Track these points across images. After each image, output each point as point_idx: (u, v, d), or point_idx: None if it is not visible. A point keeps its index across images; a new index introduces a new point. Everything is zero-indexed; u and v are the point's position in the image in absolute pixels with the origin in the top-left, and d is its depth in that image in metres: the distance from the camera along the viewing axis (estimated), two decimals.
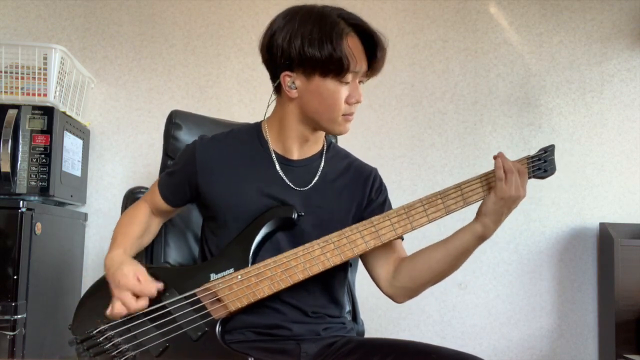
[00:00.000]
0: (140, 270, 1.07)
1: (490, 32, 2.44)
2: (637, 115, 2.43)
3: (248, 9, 2.38)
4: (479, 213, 1.08)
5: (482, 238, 1.08)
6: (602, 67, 2.44)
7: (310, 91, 1.08)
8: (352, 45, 1.06)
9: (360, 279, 1.42)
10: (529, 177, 1.10)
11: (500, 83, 2.43)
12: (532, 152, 1.13)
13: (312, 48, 1.04)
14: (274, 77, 1.13)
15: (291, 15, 1.09)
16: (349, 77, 1.07)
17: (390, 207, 1.23)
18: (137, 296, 1.05)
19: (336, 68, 1.05)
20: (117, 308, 1.04)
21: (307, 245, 1.06)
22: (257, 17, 2.37)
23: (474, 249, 1.10)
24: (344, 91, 1.08)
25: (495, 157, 1.07)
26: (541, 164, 1.12)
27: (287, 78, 1.09)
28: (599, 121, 2.42)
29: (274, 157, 1.15)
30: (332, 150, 1.23)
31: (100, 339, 1.07)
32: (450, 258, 1.10)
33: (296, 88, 1.09)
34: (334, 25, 1.05)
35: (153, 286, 1.06)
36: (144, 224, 1.21)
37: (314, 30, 1.04)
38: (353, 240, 1.07)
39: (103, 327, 1.08)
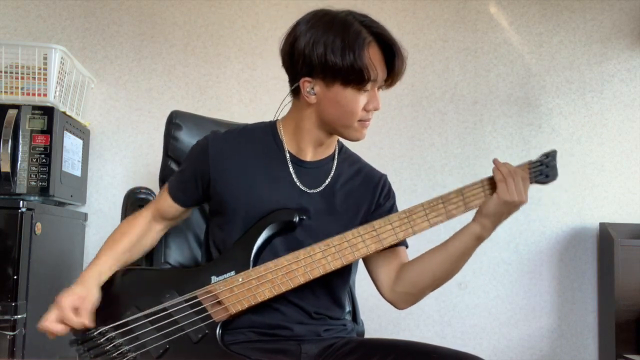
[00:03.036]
0: (88, 299, 1.07)
1: (490, 32, 2.44)
2: (637, 115, 2.43)
3: (248, 9, 2.38)
4: (479, 213, 1.09)
5: (480, 239, 1.10)
6: (602, 67, 2.44)
7: (329, 98, 1.08)
8: (373, 55, 1.06)
9: (360, 279, 1.42)
10: (531, 183, 1.10)
11: (500, 83, 2.43)
12: (534, 157, 1.13)
13: (334, 57, 1.03)
14: (293, 80, 1.12)
15: (314, 21, 1.08)
16: (369, 86, 1.08)
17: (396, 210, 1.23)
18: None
19: (357, 78, 1.05)
20: (43, 320, 1.06)
21: (308, 248, 1.06)
22: (257, 17, 2.37)
23: (474, 250, 1.11)
24: (362, 99, 1.08)
25: (493, 161, 1.09)
26: (543, 169, 1.12)
27: (306, 84, 1.09)
28: (599, 121, 2.42)
29: (288, 157, 1.15)
30: (343, 153, 1.23)
31: (102, 340, 1.07)
32: (451, 260, 1.12)
33: (315, 94, 1.09)
34: (357, 35, 1.05)
35: (78, 321, 1.05)
36: (136, 236, 1.18)
37: (337, 38, 1.04)
38: (354, 244, 1.06)
39: (104, 328, 1.08)
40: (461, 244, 1.10)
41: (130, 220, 1.21)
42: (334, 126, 1.12)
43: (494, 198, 1.06)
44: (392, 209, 1.22)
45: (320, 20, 1.07)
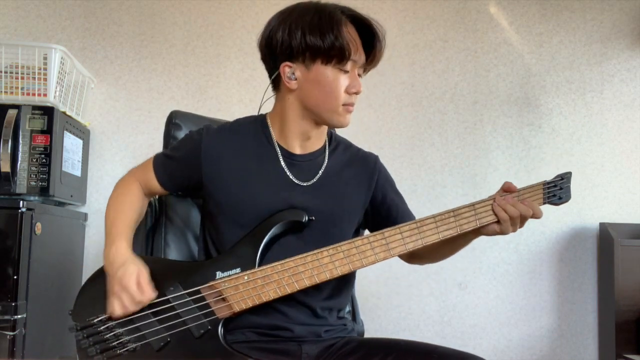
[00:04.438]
0: (143, 273, 1.06)
1: (490, 32, 2.44)
2: (637, 115, 2.43)
3: (248, 9, 2.38)
4: (480, 232, 1.10)
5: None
6: (602, 67, 2.44)
7: (310, 81, 1.09)
8: (350, 36, 1.08)
9: (360, 278, 1.42)
10: (544, 203, 1.12)
11: (500, 83, 2.43)
12: (549, 179, 1.14)
13: (313, 36, 1.05)
14: (273, 69, 1.13)
15: (289, 12, 1.10)
16: (349, 65, 1.08)
17: (399, 192, 1.27)
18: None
19: (338, 55, 1.06)
20: (117, 309, 1.04)
21: (316, 251, 1.05)
22: (257, 17, 2.37)
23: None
24: (343, 80, 1.09)
25: (496, 200, 1.08)
26: (556, 191, 1.13)
27: (286, 69, 1.10)
28: (599, 121, 2.42)
29: (279, 152, 1.15)
30: (334, 142, 1.23)
31: (101, 328, 1.06)
32: (455, 250, 1.18)
33: (296, 79, 1.10)
34: (332, 15, 1.07)
35: (151, 295, 1.05)
36: (139, 208, 1.19)
37: (314, 19, 1.06)
38: (363, 251, 1.06)
39: (105, 316, 1.06)
40: (465, 241, 1.14)
41: (127, 194, 1.20)
42: (318, 111, 1.11)
43: (495, 229, 1.08)
44: (398, 194, 1.26)
45: (294, 9, 1.10)
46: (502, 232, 1.08)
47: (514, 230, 1.09)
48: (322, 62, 1.07)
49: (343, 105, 1.10)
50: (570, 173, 1.15)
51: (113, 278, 1.05)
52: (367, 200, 1.20)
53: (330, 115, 1.11)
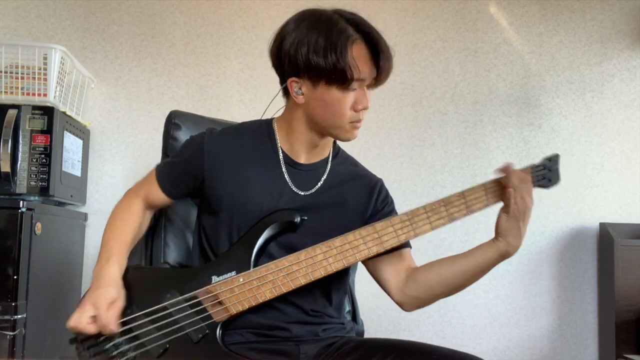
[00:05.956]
0: (118, 304, 1.04)
1: (490, 32, 2.44)
2: (637, 115, 2.43)
3: (248, 9, 2.38)
4: (498, 234, 1.07)
5: (506, 255, 1.07)
6: (602, 67, 2.44)
7: (316, 98, 1.08)
8: (358, 53, 1.05)
9: (360, 279, 1.42)
10: (533, 187, 1.09)
11: (500, 83, 2.43)
12: (536, 162, 1.13)
13: (317, 57, 1.03)
14: (282, 81, 1.13)
15: (300, 21, 1.08)
16: (355, 84, 1.06)
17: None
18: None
19: (340, 78, 1.04)
20: (74, 321, 1.02)
21: (309, 249, 1.06)
22: (257, 17, 2.37)
23: (495, 265, 1.08)
24: (349, 98, 1.07)
25: (501, 170, 1.06)
26: (545, 174, 1.12)
27: (293, 84, 1.09)
28: (599, 121, 2.42)
29: (282, 158, 1.15)
30: (339, 157, 1.22)
31: (101, 338, 1.06)
32: (469, 273, 1.10)
33: (302, 94, 1.09)
34: (340, 33, 1.04)
35: (114, 324, 1.02)
36: (139, 226, 1.18)
37: (320, 38, 1.03)
38: (356, 246, 1.06)
39: None
40: (485, 259, 1.08)
41: (127, 208, 1.19)
42: (324, 127, 1.11)
43: (502, 216, 1.06)
44: (391, 214, 1.21)
45: (305, 20, 1.07)
46: (513, 215, 1.04)
47: (519, 207, 1.04)
48: (326, 82, 1.05)
49: (350, 122, 1.09)
50: (557, 155, 1.13)
51: (92, 292, 1.04)
52: (364, 218, 1.18)
53: (337, 132, 1.11)
